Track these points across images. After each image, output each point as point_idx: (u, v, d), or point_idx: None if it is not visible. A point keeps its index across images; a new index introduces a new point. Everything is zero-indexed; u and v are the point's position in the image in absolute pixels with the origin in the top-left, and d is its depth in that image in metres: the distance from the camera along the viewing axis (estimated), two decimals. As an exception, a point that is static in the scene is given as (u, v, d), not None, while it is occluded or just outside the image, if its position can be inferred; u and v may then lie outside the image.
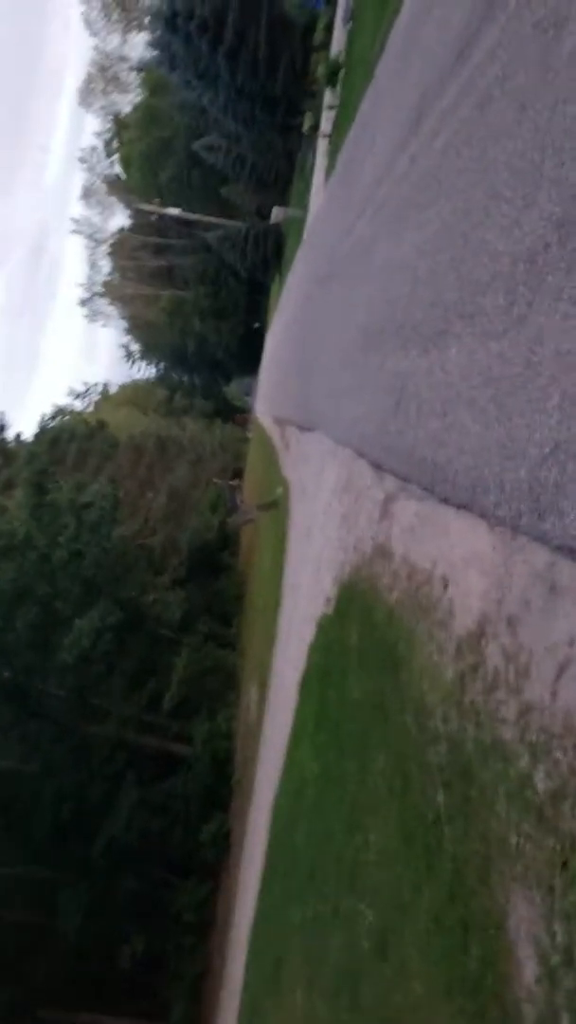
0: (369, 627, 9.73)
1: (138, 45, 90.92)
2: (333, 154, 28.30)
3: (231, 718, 29.19)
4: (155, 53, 51.66)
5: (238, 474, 60.77)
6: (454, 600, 6.57)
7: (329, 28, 35.24)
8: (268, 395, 49.85)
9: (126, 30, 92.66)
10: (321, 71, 31.89)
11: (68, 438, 45.88)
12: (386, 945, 7.86)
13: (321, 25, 37.36)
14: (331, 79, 30.39)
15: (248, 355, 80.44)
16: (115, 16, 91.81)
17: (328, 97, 32.11)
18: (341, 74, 29.38)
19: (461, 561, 6.49)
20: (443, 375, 7.68)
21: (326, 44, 34.24)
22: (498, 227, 6.38)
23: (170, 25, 43.74)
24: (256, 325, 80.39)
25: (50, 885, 28.62)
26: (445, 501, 7.10)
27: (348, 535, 12.20)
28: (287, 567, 22.14)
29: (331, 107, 31.00)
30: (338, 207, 21.77)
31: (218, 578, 40.27)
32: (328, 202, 26.69)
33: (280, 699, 19.31)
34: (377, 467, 10.69)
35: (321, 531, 15.66)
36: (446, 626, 6.66)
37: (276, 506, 26.89)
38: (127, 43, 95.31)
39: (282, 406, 33.29)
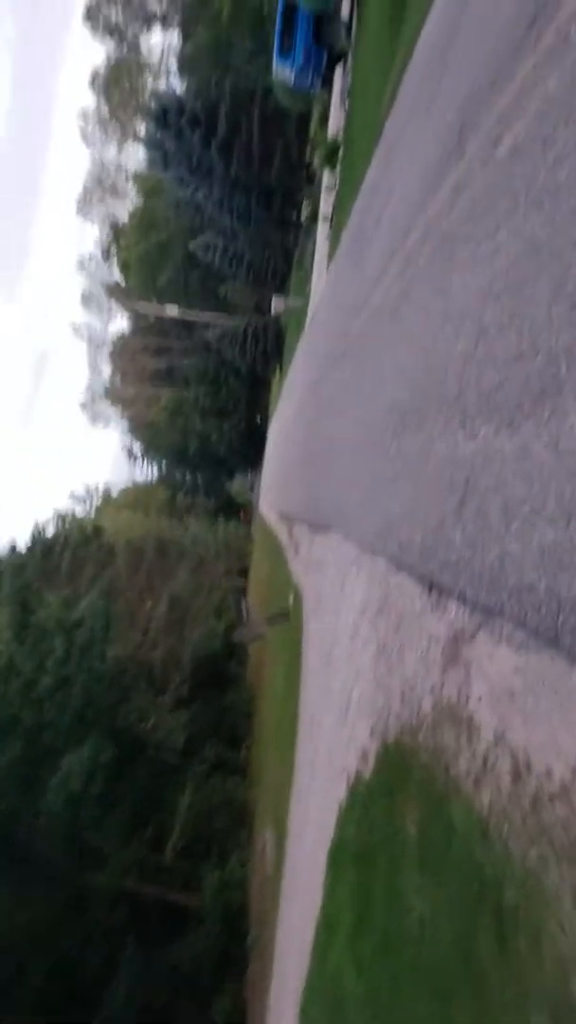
0: (440, 824, 6.73)
1: (133, 154, 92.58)
2: (336, 234, 26.44)
3: (244, 863, 25.52)
4: (148, 153, 50.85)
5: (243, 573, 57.98)
6: None
7: (324, 116, 34.00)
8: (272, 490, 47.35)
9: (122, 141, 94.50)
10: (320, 154, 30.33)
11: (62, 547, 43.20)
12: None
13: (316, 113, 36.18)
14: (330, 159, 28.76)
15: (251, 450, 79.00)
16: (111, 128, 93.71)
17: (327, 179, 30.49)
18: (340, 153, 27.78)
19: None
20: (553, 459, 4.93)
21: (323, 125, 32.85)
22: None
23: (161, 122, 42.80)
24: (258, 420, 79.07)
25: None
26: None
27: (390, 676, 9.27)
28: (303, 694, 19.04)
29: (331, 188, 29.35)
30: (348, 281, 19.49)
31: (225, 692, 36.89)
32: (335, 280, 24.54)
33: (303, 861, 16.02)
34: (430, 586, 7.86)
35: (347, 659, 12.70)
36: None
37: (287, 617, 23.93)
38: (123, 153, 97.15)
39: (288, 502, 30.64)
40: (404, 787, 8.12)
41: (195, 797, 27.01)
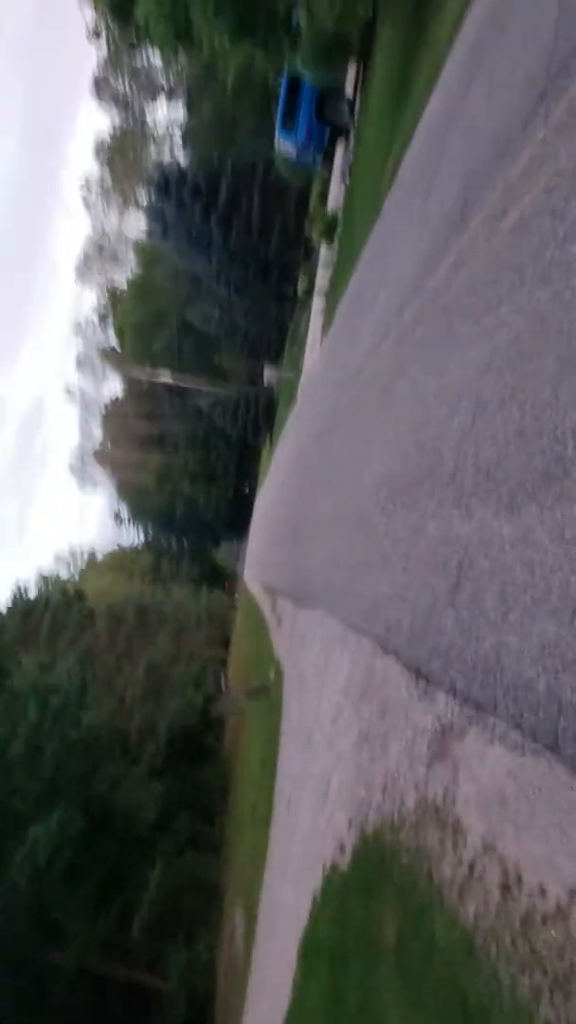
0: (421, 935, 6.22)
1: (134, 224, 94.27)
2: (331, 309, 26.58)
3: (212, 947, 24.35)
4: (148, 222, 51.54)
5: (225, 644, 57.06)
6: None
7: (324, 192, 34.52)
8: (257, 560, 46.91)
9: (123, 210, 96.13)
10: (318, 228, 30.67)
11: (43, 609, 42.41)
12: None
13: (316, 189, 36.73)
14: (328, 234, 29.05)
15: (237, 519, 78.78)
16: (113, 197, 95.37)
17: (324, 253, 30.80)
18: (338, 228, 28.08)
19: None
20: (558, 547, 4.60)
21: (322, 201, 33.31)
22: None
23: (162, 190, 43.41)
24: (246, 489, 79.01)
25: None
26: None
27: (372, 765, 8.79)
28: (280, 774, 18.37)
29: (328, 263, 29.61)
30: (341, 355, 19.43)
31: (200, 766, 35.86)
32: (328, 354, 24.56)
33: (273, 950, 15.25)
34: (418, 673, 7.45)
35: (328, 743, 12.18)
36: None
37: (268, 692, 23.31)
38: (124, 222, 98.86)
39: (273, 574, 30.20)
40: (382, 888, 7.59)
41: (165, 873, 25.89)
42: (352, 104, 28.55)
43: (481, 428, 6.32)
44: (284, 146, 32.20)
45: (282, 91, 30.71)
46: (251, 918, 19.46)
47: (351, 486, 13.16)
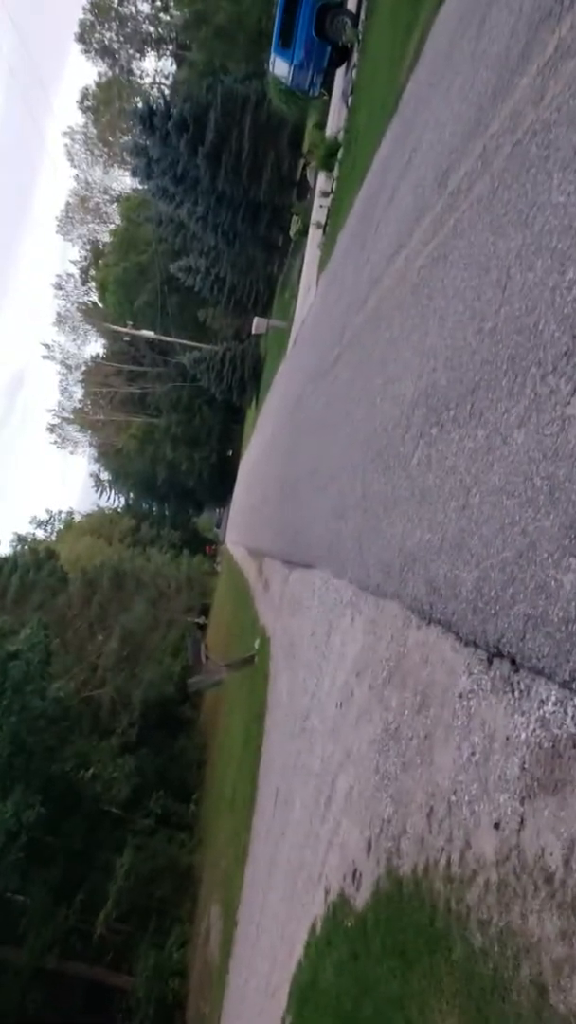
0: None
1: (118, 178, 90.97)
2: (330, 240, 24.08)
3: (185, 942, 22.07)
4: (132, 161, 48.34)
5: (205, 611, 55.04)
6: None
7: (322, 120, 31.76)
8: (242, 524, 44.54)
9: (108, 164, 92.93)
10: (317, 154, 27.86)
11: (11, 569, 39.76)
12: None
13: (312, 121, 33.96)
14: (327, 161, 26.37)
15: (220, 485, 76.56)
16: (97, 149, 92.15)
17: (322, 183, 28.10)
18: (339, 154, 25.45)
19: None
20: None
21: (320, 128, 30.48)
22: None
23: (147, 123, 40.21)
24: (229, 454, 76.61)
25: None
26: None
27: (404, 775, 6.44)
28: (266, 759, 16.09)
29: (325, 194, 26.94)
30: (346, 278, 16.91)
31: (176, 738, 33.65)
32: (328, 285, 22.06)
33: (255, 969, 13.02)
34: (493, 654, 5.06)
35: (332, 733, 9.84)
36: None
37: (252, 663, 21.03)
38: (109, 175, 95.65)
39: (260, 536, 27.82)
40: (434, 964, 5.23)
41: (135, 859, 23.58)
42: (356, 18, 25.74)
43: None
44: (279, 67, 29.18)
45: (279, 5, 27.79)
46: (230, 920, 17.24)
47: (365, 421, 10.74)
